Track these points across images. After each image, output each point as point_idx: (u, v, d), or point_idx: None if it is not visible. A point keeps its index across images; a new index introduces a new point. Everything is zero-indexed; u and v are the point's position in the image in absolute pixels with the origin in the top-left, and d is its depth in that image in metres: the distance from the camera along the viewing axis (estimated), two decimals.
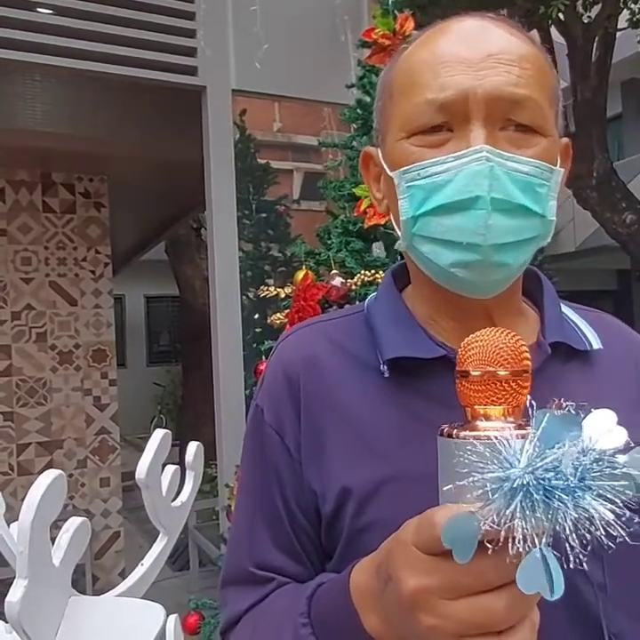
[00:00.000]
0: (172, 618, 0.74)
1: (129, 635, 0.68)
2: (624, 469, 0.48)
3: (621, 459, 0.48)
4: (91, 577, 4.71)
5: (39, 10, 2.95)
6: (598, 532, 0.47)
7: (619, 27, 5.91)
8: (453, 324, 0.80)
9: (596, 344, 0.83)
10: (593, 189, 6.07)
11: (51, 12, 2.97)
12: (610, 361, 0.84)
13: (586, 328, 0.85)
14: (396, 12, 2.67)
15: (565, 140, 0.81)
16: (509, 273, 0.74)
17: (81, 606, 0.65)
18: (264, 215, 8.00)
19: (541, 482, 0.47)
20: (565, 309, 0.88)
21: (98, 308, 5.25)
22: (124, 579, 0.84)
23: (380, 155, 0.81)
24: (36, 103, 3.80)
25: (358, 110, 2.78)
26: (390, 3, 2.65)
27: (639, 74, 11.47)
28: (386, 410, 0.77)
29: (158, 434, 0.84)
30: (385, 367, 0.78)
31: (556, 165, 0.75)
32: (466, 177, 0.69)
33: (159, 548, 0.86)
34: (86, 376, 5.18)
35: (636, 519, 0.48)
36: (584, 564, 0.47)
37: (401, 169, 0.74)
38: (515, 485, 0.47)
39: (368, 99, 2.76)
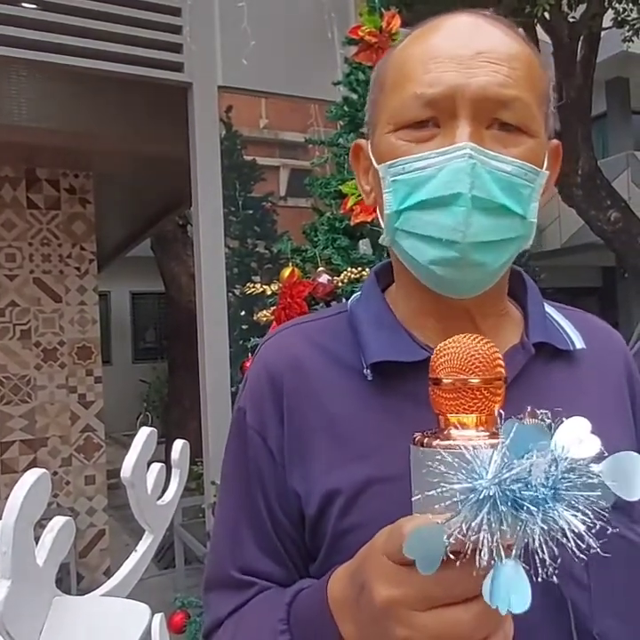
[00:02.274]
0: (158, 617, 0.74)
1: (114, 635, 0.68)
2: (597, 479, 0.47)
3: (595, 468, 0.48)
4: (75, 575, 4.68)
5: (24, 5, 2.93)
6: (569, 544, 0.46)
7: (603, 26, 5.95)
8: (436, 325, 0.80)
9: (579, 344, 0.83)
10: (578, 187, 6.11)
11: (35, 7, 2.95)
12: (592, 360, 0.84)
13: (569, 328, 0.86)
14: (382, 9, 2.67)
15: (555, 141, 0.81)
16: (488, 273, 0.74)
17: (65, 606, 0.65)
18: (250, 212, 8.02)
19: (508, 493, 0.46)
20: (549, 309, 0.88)
21: (83, 305, 5.21)
22: (109, 577, 0.83)
23: (370, 147, 0.81)
24: (20, 98, 3.77)
25: (345, 107, 2.78)
26: (377, 0, 2.66)
27: (624, 73, 11.56)
28: (370, 412, 0.77)
29: (144, 432, 0.83)
30: (368, 371, 0.77)
31: (541, 167, 0.74)
32: (448, 173, 0.69)
33: (144, 546, 0.86)
34: (71, 373, 5.14)
35: (610, 529, 0.48)
36: (554, 578, 0.47)
37: (387, 163, 0.74)
38: (481, 497, 0.46)
39: (354, 96, 2.76)
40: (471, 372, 0.55)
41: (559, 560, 0.47)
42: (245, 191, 8.06)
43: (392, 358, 0.76)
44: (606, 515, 0.47)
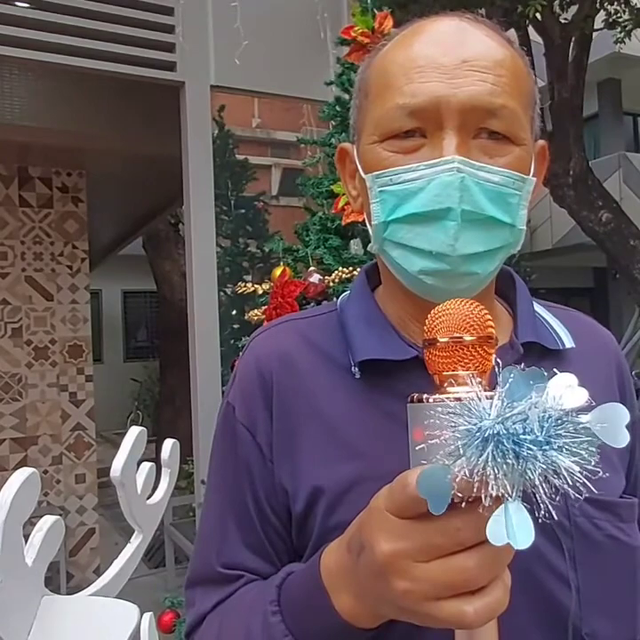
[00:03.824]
0: (147, 616, 0.74)
1: (102, 634, 0.68)
2: (586, 426, 0.49)
3: (584, 418, 0.50)
4: (65, 574, 4.67)
5: (17, 3, 2.92)
6: (566, 486, 0.48)
7: (595, 27, 5.96)
8: (422, 327, 0.80)
9: (569, 342, 0.83)
10: (569, 188, 6.12)
11: (28, 5, 2.94)
12: (582, 359, 0.84)
13: (558, 326, 0.86)
14: (375, 10, 2.67)
15: (542, 142, 0.81)
16: (477, 281, 0.74)
17: (54, 606, 0.65)
18: (242, 211, 8.02)
19: (511, 431, 0.49)
20: (538, 308, 0.88)
21: (74, 304, 5.20)
22: (99, 576, 0.84)
23: (355, 152, 0.81)
24: (13, 97, 3.76)
25: (337, 107, 2.79)
26: (369, 1, 2.66)
27: (615, 74, 11.59)
28: (358, 409, 0.77)
29: (133, 431, 0.84)
30: (356, 369, 0.78)
31: (528, 174, 0.74)
32: (437, 187, 0.69)
33: (134, 546, 0.86)
34: (62, 372, 5.13)
35: (601, 473, 0.49)
36: (554, 515, 0.48)
37: (374, 173, 0.74)
38: (486, 435, 0.48)
39: (347, 96, 2.76)
40: (465, 330, 0.58)
41: (557, 498, 0.48)
42: (237, 190, 8.06)
43: (380, 356, 0.77)
44: (597, 458, 0.49)
